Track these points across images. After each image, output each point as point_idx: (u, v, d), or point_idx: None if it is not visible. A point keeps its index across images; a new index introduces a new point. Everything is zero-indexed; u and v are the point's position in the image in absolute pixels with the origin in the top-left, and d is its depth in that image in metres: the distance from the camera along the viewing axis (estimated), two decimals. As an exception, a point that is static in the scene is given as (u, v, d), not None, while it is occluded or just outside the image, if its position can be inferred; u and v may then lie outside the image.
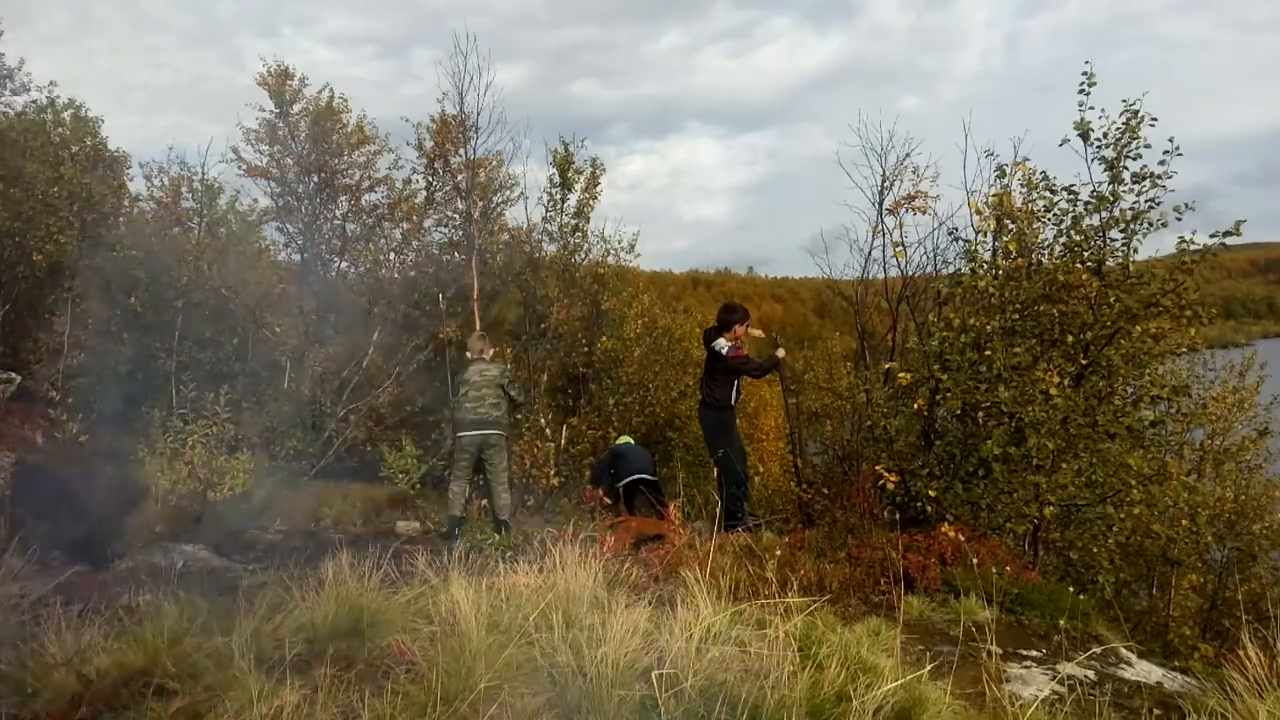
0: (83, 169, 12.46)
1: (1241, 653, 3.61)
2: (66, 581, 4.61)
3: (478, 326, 11.75)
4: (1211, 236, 6.89)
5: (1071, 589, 5.70)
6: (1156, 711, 3.54)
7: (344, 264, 14.12)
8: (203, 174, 13.03)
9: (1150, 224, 7.42)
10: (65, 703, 3.05)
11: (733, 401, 8.26)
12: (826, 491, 8.46)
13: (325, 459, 11.41)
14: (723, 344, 8.06)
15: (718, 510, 5.44)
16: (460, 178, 13.75)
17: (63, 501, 6.21)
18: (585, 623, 3.65)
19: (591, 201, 14.59)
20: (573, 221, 14.62)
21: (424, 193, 14.21)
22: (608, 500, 8.89)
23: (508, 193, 14.68)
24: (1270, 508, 10.47)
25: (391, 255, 14.77)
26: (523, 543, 6.61)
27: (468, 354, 8.42)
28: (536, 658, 3.54)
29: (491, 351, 8.54)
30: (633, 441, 10.56)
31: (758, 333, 9.06)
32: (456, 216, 14.16)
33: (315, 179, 13.12)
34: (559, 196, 14.41)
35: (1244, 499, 10.31)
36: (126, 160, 14.81)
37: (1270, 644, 3.56)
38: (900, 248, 10.42)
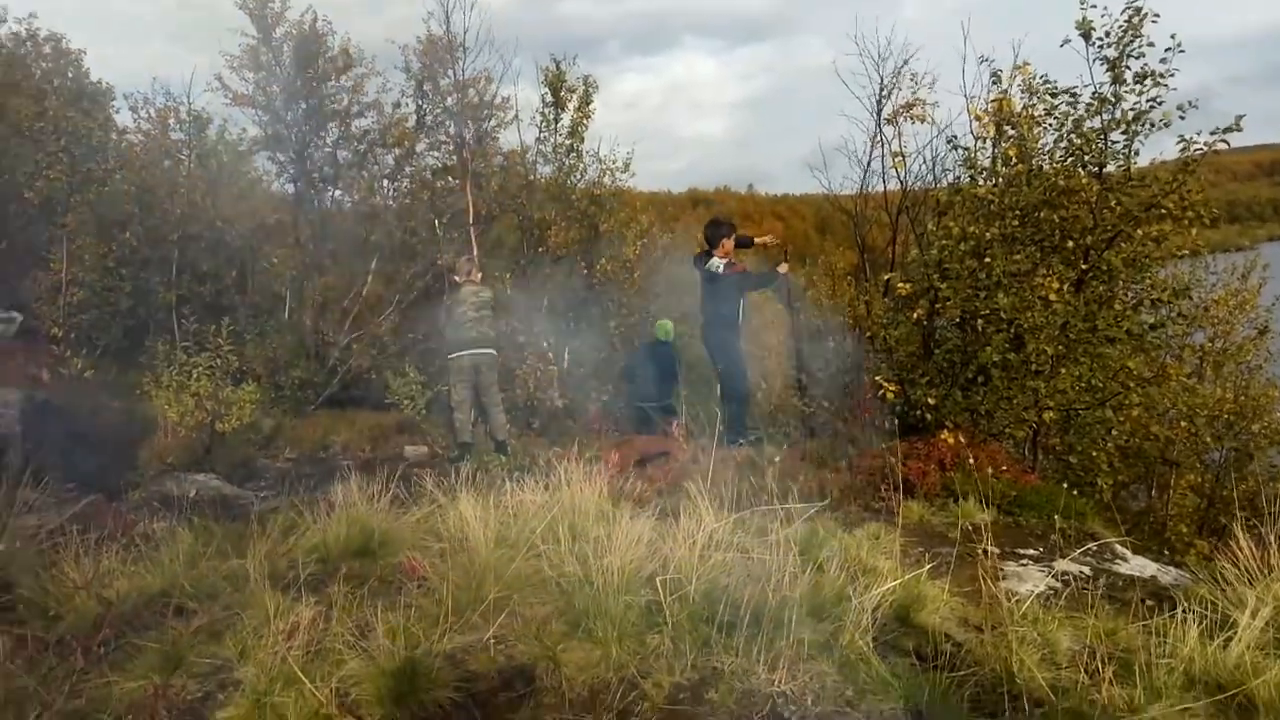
0: (67, 103, 12.23)
1: (1234, 545, 3.69)
2: (82, 512, 4.71)
3: (475, 251, 11.69)
4: (1212, 133, 6.78)
5: (1069, 490, 5.81)
6: (1149, 602, 3.63)
7: (337, 192, 13.95)
8: (189, 104, 12.79)
9: (1152, 124, 7.30)
10: (88, 625, 3.15)
11: (739, 320, 8.01)
12: (828, 404, 8.53)
13: (330, 388, 11.50)
14: (718, 263, 7.86)
15: (719, 425, 5.49)
16: (450, 99, 13.48)
17: (73, 436, 6.29)
18: (591, 535, 3.72)
19: (585, 121, 14.31)
20: (567, 142, 14.38)
21: (414, 117, 13.95)
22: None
23: (500, 115, 14.39)
24: (1269, 408, 10.54)
25: (385, 182, 14.56)
26: (528, 463, 6.71)
27: (455, 277, 8.43)
28: (544, 569, 3.62)
29: (480, 274, 8.55)
30: (661, 335, 10.58)
31: (768, 238, 8.84)
32: (449, 141, 13.93)
33: (303, 106, 12.85)
34: (552, 117, 14.14)
35: (1243, 400, 10.36)
36: (111, 93, 14.54)
37: (1263, 537, 3.64)
38: (899, 158, 10.29)
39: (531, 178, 14.10)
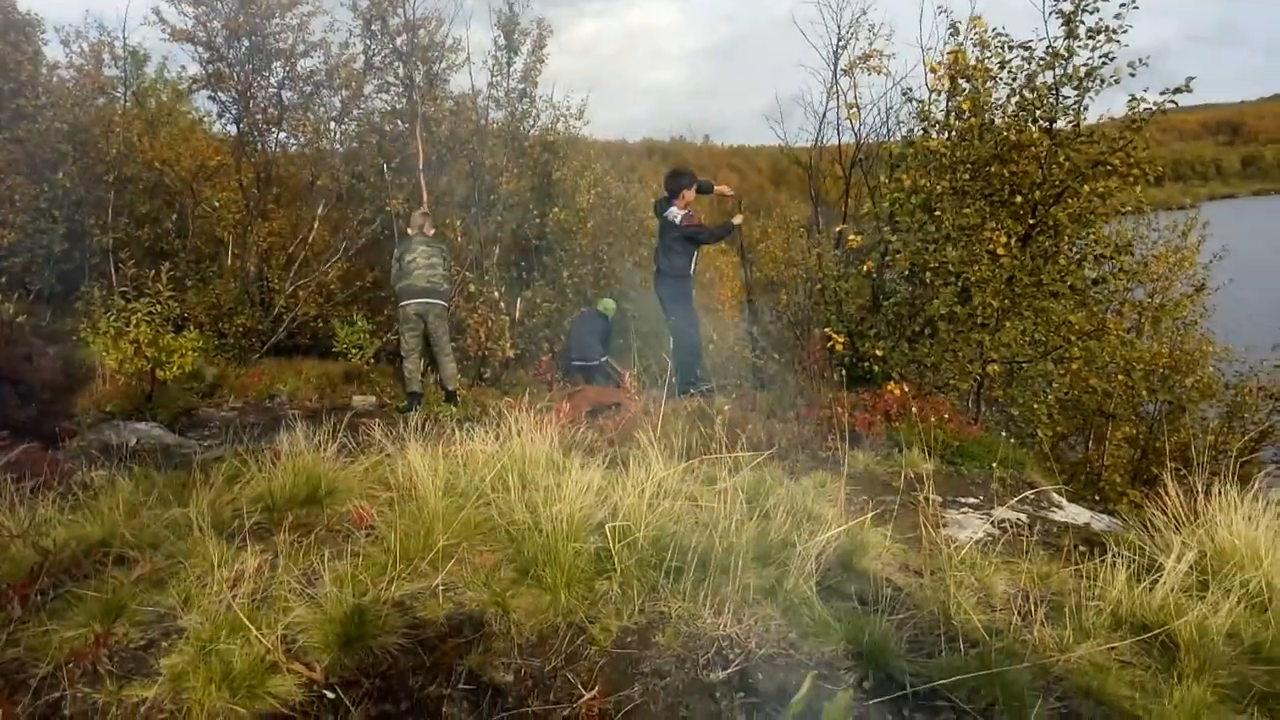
0: (-9, 34, 11.62)
1: (1163, 493, 3.83)
2: (16, 460, 4.57)
3: (424, 197, 11.48)
4: (1161, 94, 6.89)
5: (1010, 441, 5.96)
6: (1081, 548, 3.76)
7: (282, 134, 13.51)
8: (124, 39, 12.25)
9: (1103, 80, 7.39)
10: (24, 574, 3.07)
11: (691, 271, 8.07)
12: (779, 356, 8.61)
13: (276, 336, 11.28)
14: (675, 212, 7.88)
15: (670, 376, 5.51)
16: (399, 40, 13.09)
17: (6, 382, 6.10)
18: (541, 484, 3.73)
19: (539, 66, 14.06)
20: (520, 87, 14.12)
21: (362, 58, 13.53)
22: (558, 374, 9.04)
23: (451, 57, 14.02)
24: (1202, 362, 10.91)
25: (332, 125, 14.15)
26: (479, 413, 6.68)
27: (409, 230, 8.34)
28: (494, 517, 3.63)
29: (433, 228, 8.46)
30: (602, 305, 10.61)
31: (725, 189, 8.84)
32: (398, 83, 13.54)
33: (246, 43, 12.37)
34: (504, 60, 13.86)
35: (1178, 354, 10.72)
36: (41, 25, 13.83)
37: (1191, 486, 3.78)
38: (855, 109, 10.29)
39: (483, 123, 13.81)
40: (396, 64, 13.29)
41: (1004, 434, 6.66)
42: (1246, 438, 8.52)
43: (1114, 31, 7.16)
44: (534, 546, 3.29)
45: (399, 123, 13.61)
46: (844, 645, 2.83)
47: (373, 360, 9.82)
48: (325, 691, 2.57)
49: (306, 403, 8.18)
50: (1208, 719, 2.50)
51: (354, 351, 9.69)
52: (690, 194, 7.96)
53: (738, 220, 8.29)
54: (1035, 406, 7.84)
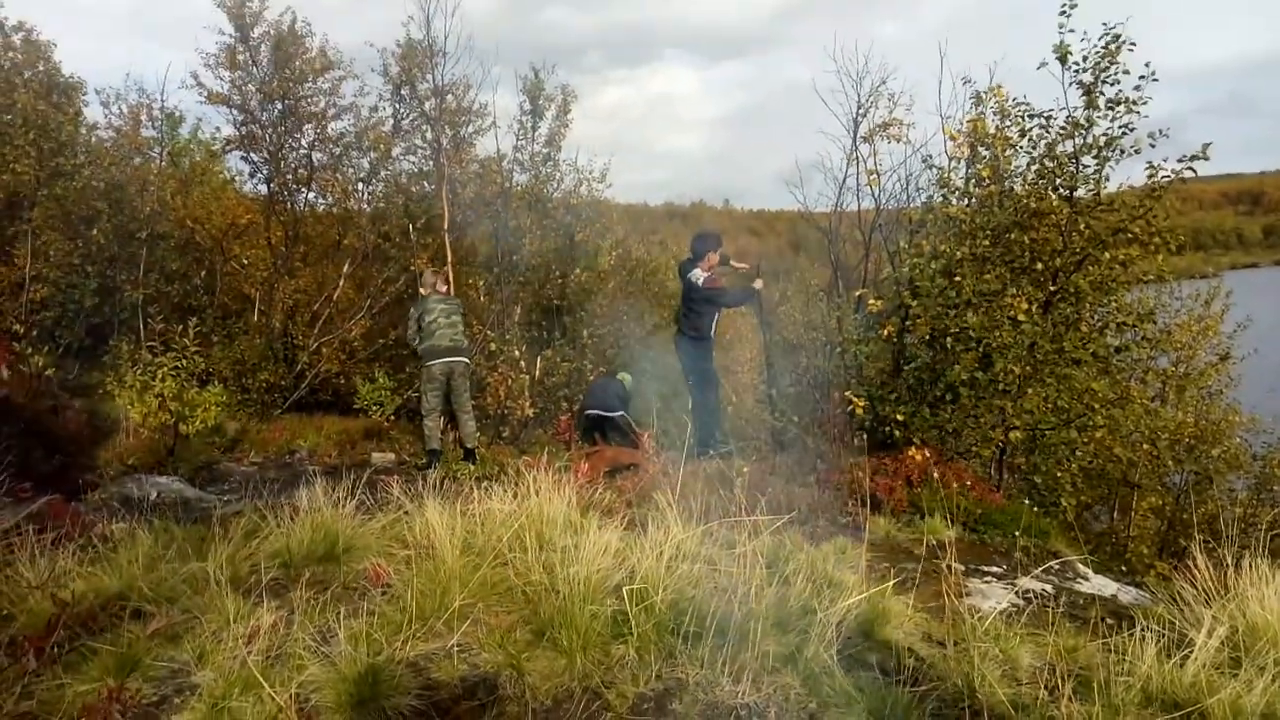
0: (37, 95, 12.02)
1: (1192, 566, 3.76)
2: (38, 511, 4.60)
3: (449, 258, 11.64)
4: (1180, 161, 6.93)
5: (1033, 509, 5.87)
6: (1109, 621, 3.68)
7: (311, 194, 13.82)
8: (162, 101, 12.67)
9: (1123, 150, 7.45)
10: (42, 625, 3.07)
11: (711, 333, 8.14)
12: (798, 419, 8.57)
13: (298, 392, 11.36)
14: (698, 274, 7.98)
15: (689, 437, 5.49)
16: (428, 105, 13.43)
17: (31, 434, 6.15)
18: (559, 544, 3.70)
19: (563, 130, 14.34)
20: (544, 150, 14.39)
21: (391, 121, 13.88)
22: (577, 434, 9.02)
23: (478, 121, 14.36)
24: (1229, 432, 10.75)
25: (360, 185, 14.46)
26: (497, 471, 6.67)
27: (422, 290, 8.45)
28: (510, 577, 3.60)
29: (446, 286, 8.58)
30: (620, 376, 10.65)
31: (742, 266, 8.93)
32: (425, 146, 13.86)
33: (279, 106, 12.74)
34: (530, 124, 14.15)
35: (1204, 424, 10.57)
36: (82, 87, 14.32)
37: (1221, 559, 3.70)
38: (874, 175, 10.39)
39: (507, 185, 14.06)
40: (424, 127, 13.62)
41: (1027, 502, 6.57)
42: (1277, 510, 8.33)
43: (1134, 103, 7.24)
44: (550, 608, 3.26)
45: (425, 184, 13.89)
46: (866, 717, 2.76)
47: (393, 417, 9.86)
48: (336, 753, 2.53)
49: (326, 459, 8.20)
50: (1245, 803, 2.41)
51: (374, 408, 9.73)
52: (714, 257, 8.07)
53: (758, 285, 8.37)
54: (1059, 475, 7.73)
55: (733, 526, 4.18)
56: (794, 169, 18.48)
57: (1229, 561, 3.61)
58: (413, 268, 12.85)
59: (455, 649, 3.10)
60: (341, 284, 12.99)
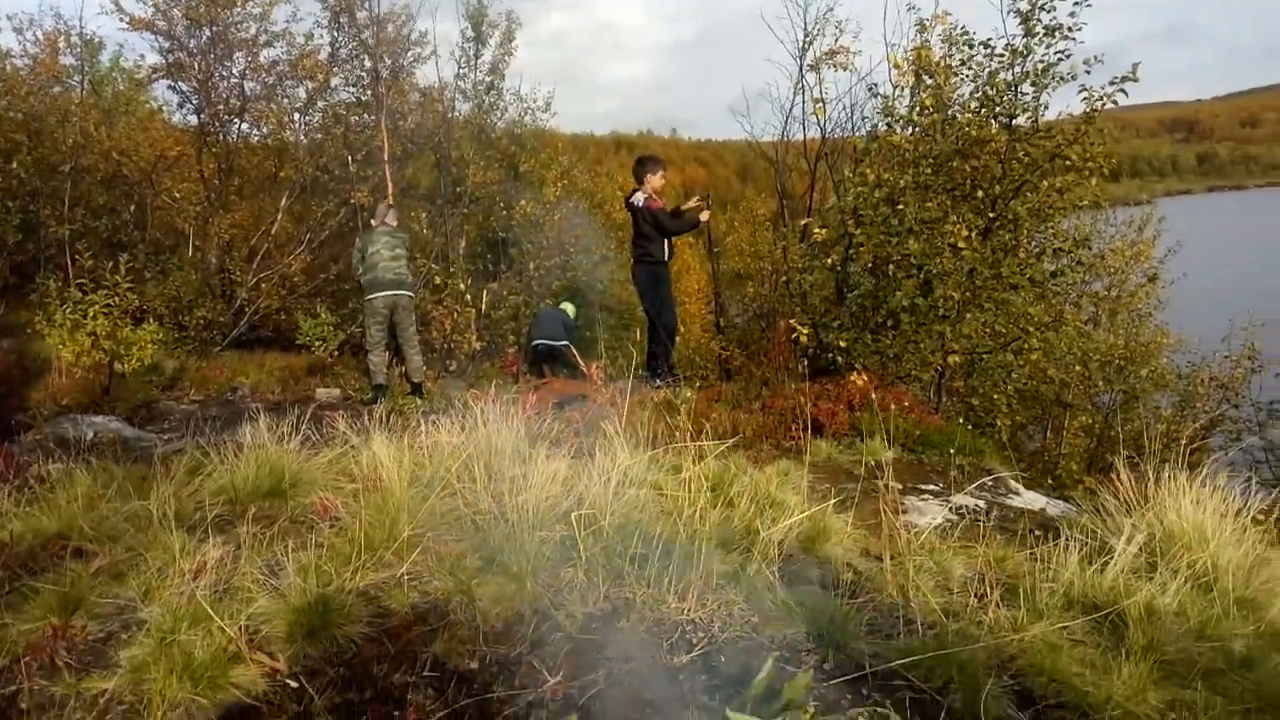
0: (-59, 20, 11.35)
1: (1116, 479, 3.94)
2: (-31, 454, 4.48)
3: (390, 190, 11.38)
4: (1111, 83, 7.03)
5: (970, 430, 6.07)
6: (1037, 532, 3.85)
7: (244, 125, 13.32)
8: (81, 27, 12.00)
9: (1060, 77, 7.53)
10: (-21, 567, 3.03)
11: (666, 257, 7.99)
12: (745, 348, 8.67)
13: (238, 329, 11.13)
14: (639, 198, 7.87)
15: (639, 363, 5.52)
16: (366, 33, 12.97)
17: (-43, 376, 5.97)
18: (507, 474, 3.73)
19: (506, 58, 14.02)
20: (487, 79, 14.07)
21: (328, 49, 13.37)
22: (525, 366, 9.02)
23: (418, 50, 13.91)
24: (1157, 353, 11.17)
25: (296, 116, 13.97)
26: (445, 405, 6.66)
27: (372, 221, 8.30)
28: (459, 507, 3.64)
29: (396, 220, 8.41)
30: (563, 306, 10.61)
31: (690, 204, 8.77)
32: (364, 75, 13.41)
33: (207, 32, 12.16)
34: (472, 52, 13.79)
35: (1133, 345, 10.97)
36: (-9, 12, 13.54)
37: (1143, 472, 3.89)
38: (820, 104, 10.37)
39: (450, 115, 13.73)
40: (363, 56, 13.16)
41: (963, 423, 6.78)
42: (1196, 425, 8.73)
43: (1069, 29, 7.30)
44: (499, 535, 3.30)
45: (365, 115, 13.48)
46: (805, 628, 2.88)
47: (336, 353, 9.74)
48: (288, 681, 2.56)
49: (269, 396, 8.09)
50: (1154, 695, 2.58)
51: (317, 344, 9.60)
52: (655, 179, 7.95)
53: (704, 216, 8.30)
54: (995, 396, 7.98)
55: (679, 452, 4.26)
56: (741, 99, 18.32)
57: (1150, 475, 3.79)
58: (353, 200, 12.56)
59: (405, 578, 3.14)
60: (279, 218, 12.64)
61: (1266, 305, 12.11)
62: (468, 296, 11.27)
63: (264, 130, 13.56)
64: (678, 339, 10.18)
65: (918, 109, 8.15)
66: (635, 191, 7.94)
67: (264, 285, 11.68)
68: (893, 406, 5.76)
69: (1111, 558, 3.23)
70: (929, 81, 8.16)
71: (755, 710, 2.30)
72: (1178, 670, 2.72)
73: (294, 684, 2.55)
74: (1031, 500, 4.85)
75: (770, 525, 3.41)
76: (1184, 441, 4.90)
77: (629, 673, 2.64)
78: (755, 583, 3.11)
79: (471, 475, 3.83)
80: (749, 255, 14.38)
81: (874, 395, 5.80)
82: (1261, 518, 3.79)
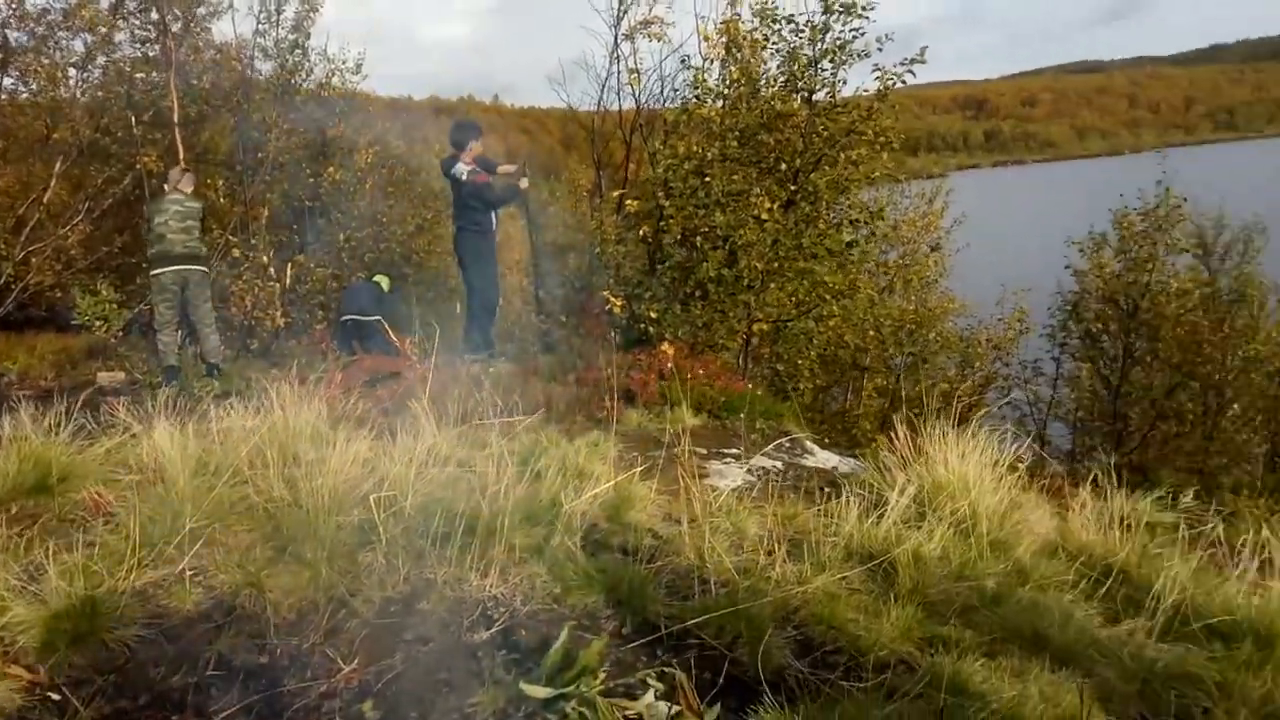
0: None
1: (894, 435, 4.27)
2: None
3: (181, 155, 10.56)
4: (900, 63, 7.52)
5: (772, 395, 6.39)
6: (827, 489, 4.12)
7: (9, 80, 11.91)
8: None
9: (855, 54, 7.97)
10: None
11: (492, 228, 7.82)
12: (563, 320, 8.71)
13: (4, 307, 10.03)
14: (461, 169, 7.63)
15: (458, 338, 5.42)
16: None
17: None
18: (304, 458, 3.60)
19: (311, 14, 13.23)
20: (290, 37, 13.23)
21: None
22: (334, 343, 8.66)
23: (212, 3, 12.86)
24: (943, 317, 12.14)
25: (72, 71, 12.61)
26: (244, 387, 6.30)
27: (165, 187, 7.68)
28: (250, 495, 3.47)
29: (192, 188, 7.82)
30: (376, 278, 10.23)
31: (508, 168, 8.60)
32: (151, 29, 12.28)
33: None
34: (273, 7, 12.92)
35: (922, 311, 11.87)
36: None
37: (919, 428, 4.23)
38: (635, 75, 10.47)
39: (249, 75, 12.84)
40: (150, 8, 12.04)
41: (760, 392, 7.12)
42: (969, 382, 9.58)
43: (863, 8, 7.73)
44: (293, 523, 3.18)
45: (153, 73, 12.37)
46: (605, 595, 2.96)
47: (121, 333, 8.98)
48: (50, 694, 2.38)
49: (41, 381, 7.37)
50: (917, 633, 2.83)
51: (98, 324, 8.82)
52: (478, 147, 7.78)
53: (524, 184, 8.17)
54: (800, 362, 8.44)
55: (489, 428, 4.24)
56: (560, 66, 18.16)
57: (924, 430, 4.13)
58: (139, 166, 11.55)
59: (188, 573, 2.97)
60: (53, 184, 11.44)
61: (1036, 272, 13.42)
62: (271, 270, 10.66)
63: (33, 86, 12.18)
64: (498, 313, 10.09)
65: (726, 82, 8.40)
66: (454, 160, 7.71)
67: (34, 260, 10.57)
68: (701, 374, 5.97)
69: (886, 509, 3.51)
70: (739, 55, 8.43)
71: (550, 680, 2.34)
72: (939, 609, 2.99)
73: (56, 696, 2.37)
74: (825, 460, 5.17)
75: (575, 497, 3.46)
76: (960, 398, 5.35)
77: (427, 654, 2.62)
78: (559, 554, 3.15)
79: (265, 461, 3.66)
80: (572, 227, 14.37)
81: (684, 364, 5.99)
82: (1019, 466, 4.23)
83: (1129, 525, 3.74)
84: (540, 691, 2.25)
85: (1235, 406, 11.06)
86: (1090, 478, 4.60)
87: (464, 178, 7.58)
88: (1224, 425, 10.94)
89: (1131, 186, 12.00)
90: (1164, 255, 11.56)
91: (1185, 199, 11.59)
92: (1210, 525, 3.94)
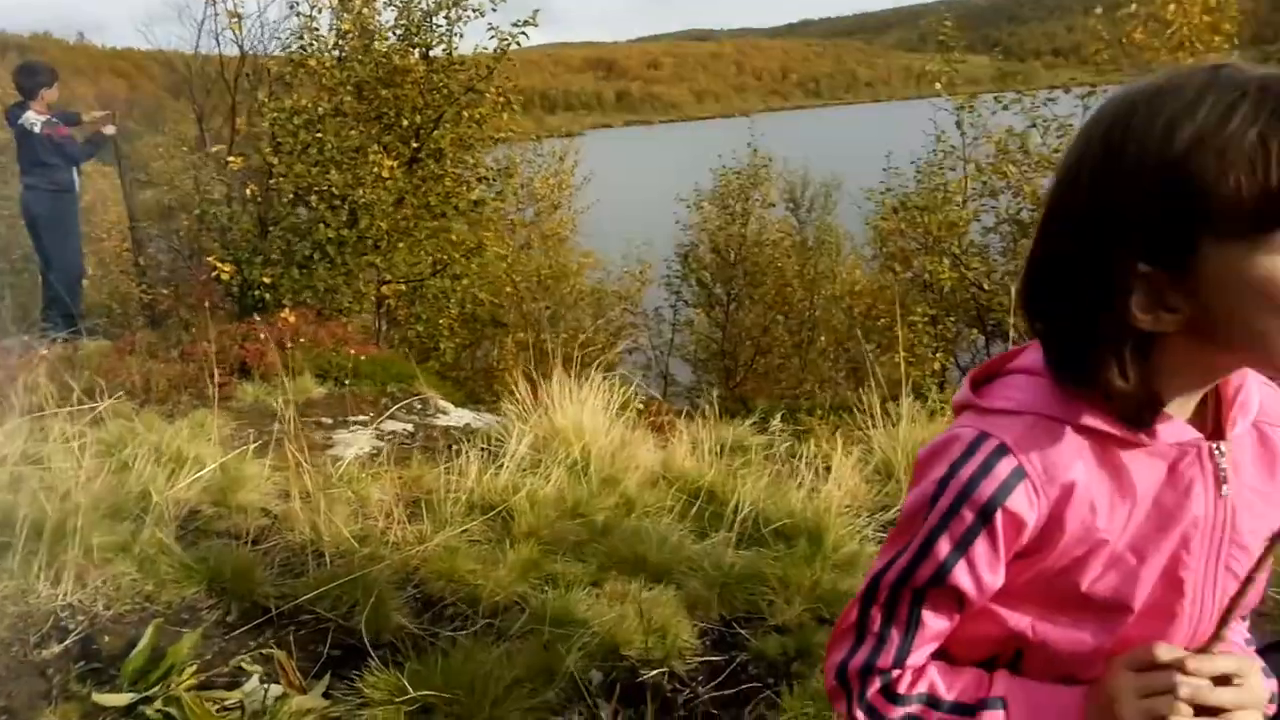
0: None
1: (513, 387, 4.44)
2: None
3: None
4: (514, 24, 7.66)
5: (414, 356, 6.31)
6: (456, 447, 4.17)
7: None
8: None
9: (472, 11, 7.97)
10: None
11: (74, 186, 6.91)
12: (169, 290, 7.88)
13: None
14: (34, 119, 6.51)
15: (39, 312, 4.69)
16: None
17: None
18: None
19: None
20: None
21: None
22: None
23: None
24: (578, 272, 12.78)
25: None
26: None
27: None
28: None
29: None
30: None
31: (95, 114, 7.40)
32: None
33: None
34: None
35: (556, 266, 12.37)
36: None
37: (537, 379, 4.44)
38: (237, 19, 9.54)
39: None
40: None
41: (410, 350, 7.03)
42: (594, 333, 10.21)
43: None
44: None
45: None
46: (207, 585, 2.77)
47: None
48: None
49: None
50: (534, 573, 2.99)
51: None
52: (52, 94, 6.72)
53: (110, 130, 7.12)
54: (441, 322, 8.40)
55: (72, 418, 3.73)
56: (155, 4, 16.12)
57: (540, 381, 4.33)
58: None
59: None
60: None
61: (658, 227, 14.54)
62: None
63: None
64: (86, 283, 8.82)
65: (340, 32, 7.99)
66: (23, 107, 6.58)
67: None
68: (328, 341, 5.72)
69: (505, 460, 3.64)
70: (352, 4, 8.03)
71: (132, 685, 2.16)
72: (553, 548, 3.18)
73: None
74: (459, 418, 5.23)
75: (170, 485, 3.18)
76: (589, 348, 5.68)
77: (-18, 683, 2.29)
78: (149, 549, 2.89)
79: None
80: (179, 186, 12.87)
81: (307, 332, 5.71)
82: (632, 406, 4.60)
83: (722, 450, 4.21)
84: (117, 699, 2.07)
85: (821, 339, 12.88)
86: (700, 410, 5.15)
87: (36, 129, 6.53)
88: (813, 357, 12.73)
89: (741, 147, 13.53)
90: (757, 209, 13.17)
91: (771, 159, 13.31)
92: (785, 444, 4.62)
